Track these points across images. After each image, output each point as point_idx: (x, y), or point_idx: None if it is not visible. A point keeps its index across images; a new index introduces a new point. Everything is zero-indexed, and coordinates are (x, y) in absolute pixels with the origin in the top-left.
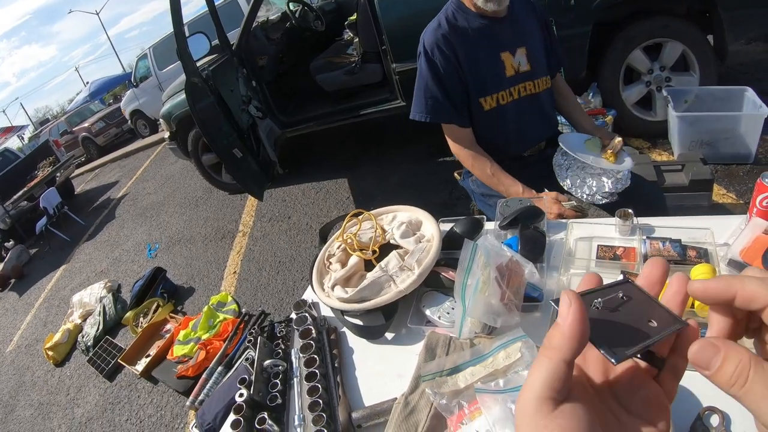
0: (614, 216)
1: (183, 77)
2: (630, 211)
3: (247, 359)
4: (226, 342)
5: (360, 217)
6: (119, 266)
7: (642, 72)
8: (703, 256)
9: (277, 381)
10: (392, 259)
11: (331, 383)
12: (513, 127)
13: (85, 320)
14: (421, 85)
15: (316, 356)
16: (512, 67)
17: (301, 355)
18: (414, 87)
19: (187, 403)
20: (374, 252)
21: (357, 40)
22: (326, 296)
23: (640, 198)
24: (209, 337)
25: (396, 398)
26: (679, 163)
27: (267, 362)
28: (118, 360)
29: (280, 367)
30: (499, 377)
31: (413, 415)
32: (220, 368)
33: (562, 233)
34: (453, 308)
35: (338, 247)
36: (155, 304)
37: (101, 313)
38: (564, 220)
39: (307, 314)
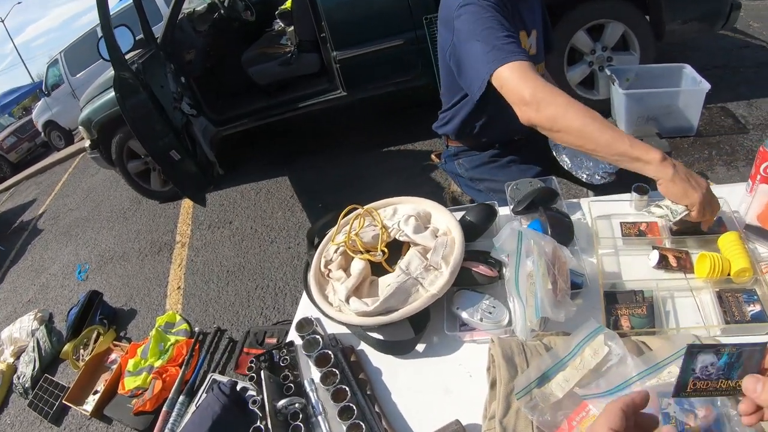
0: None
1: (104, 78)
2: (646, 186)
3: (254, 402)
4: (183, 367)
5: (356, 213)
6: (48, 293)
7: (585, 52)
8: (720, 224)
9: (299, 423)
10: (413, 259)
11: (369, 416)
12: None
13: (18, 358)
14: (485, 30)
15: (344, 386)
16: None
17: (322, 386)
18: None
19: None
20: (383, 252)
21: (291, 29)
22: (337, 311)
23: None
24: (163, 364)
25: (457, 420)
26: None
27: (281, 403)
28: (63, 401)
29: (296, 405)
30: (596, 378)
31: None
32: (182, 398)
33: (578, 213)
34: (494, 307)
35: (336, 251)
36: (95, 333)
37: (35, 349)
38: (575, 200)
39: (318, 336)
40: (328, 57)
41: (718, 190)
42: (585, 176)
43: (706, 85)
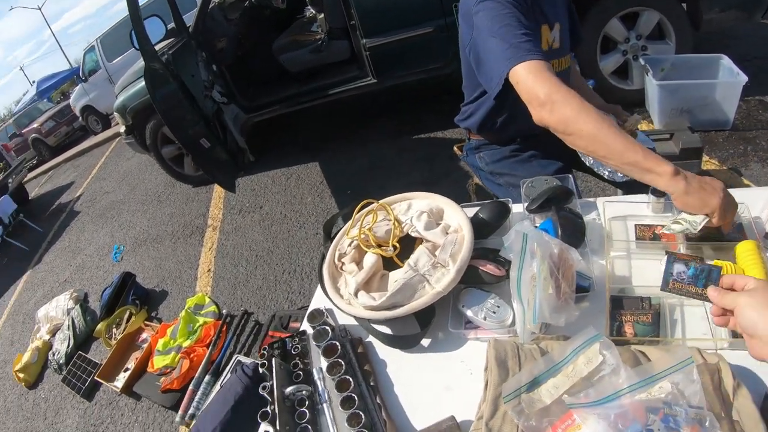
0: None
1: (137, 66)
2: None
3: (264, 387)
4: (210, 348)
5: (371, 207)
6: (84, 273)
7: (619, 41)
8: (739, 230)
9: (304, 409)
10: (422, 256)
11: (371, 406)
12: None
13: (53, 335)
14: (503, 27)
15: (348, 377)
16: (547, 42)
17: (328, 376)
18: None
19: (177, 419)
20: (395, 248)
21: (321, 16)
22: (347, 304)
23: None
24: (191, 344)
25: (452, 416)
26: (667, 132)
27: (289, 389)
28: (95, 377)
29: (304, 392)
30: (586, 387)
31: None
32: (207, 377)
33: (593, 213)
34: (498, 306)
35: (350, 244)
36: (128, 313)
37: (70, 327)
38: (591, 199)
39: (327, 327)
40: (358, 44)
41: (739, 194)
42: (607, 173)
43: (744, 77)
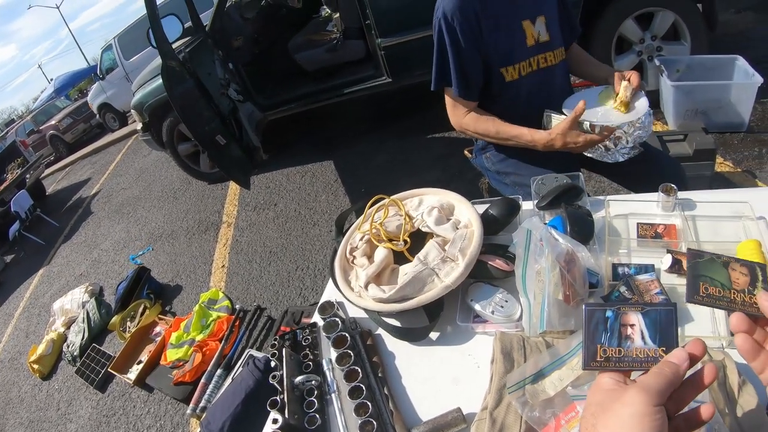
0: (658, 191)
1: (154, 64)
2: (674, 186)
3: (274, 377)
4: (223, 342)
5: (382, 203)
6: (99, 267)
7: (634, 41)
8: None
9: (313, 399)
10: (432, 250)
11: (378, 397)
12: (530, 100)
13: (68, 328)
14: (438, 54)
15: (357, 368)
16: (532, 36)
17: (338, 366)
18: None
19: (188, 411)
20: (405, 242)
21: (337, 15)
22: (357, 296)
23: (660, 171)
24: (204, 338)
25: (458, 407)
26: (681, 133)
27: (298, 379)
28: (108, 369)
29: (313, 382)
30: (590, 379)
31: None
32: (219, 371)
33: (602, 211)
34: (506, 301)
35: (361, 239)
36: (142, 306)
37: (85, 320)
38: (601, 197)
39: (337, 319)
40: (374, 44)
41: (743, 193)
42: (610, 160)
43: (759, 79)
